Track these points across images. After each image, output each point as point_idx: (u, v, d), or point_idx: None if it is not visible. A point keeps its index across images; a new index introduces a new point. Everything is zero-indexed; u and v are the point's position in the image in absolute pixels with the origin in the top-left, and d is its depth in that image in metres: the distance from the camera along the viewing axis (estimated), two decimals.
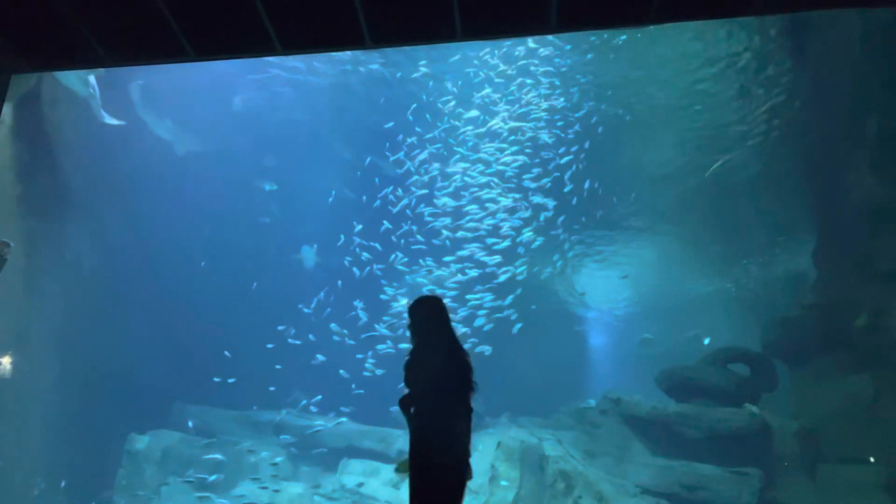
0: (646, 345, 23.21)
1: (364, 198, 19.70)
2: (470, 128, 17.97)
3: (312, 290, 19.76)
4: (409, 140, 18.75)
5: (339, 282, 19.40)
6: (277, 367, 17.84)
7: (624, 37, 14.70)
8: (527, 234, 18.97)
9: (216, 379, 16.86)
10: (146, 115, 16.87)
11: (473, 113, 17.66)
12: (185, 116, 17.60)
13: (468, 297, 18.66)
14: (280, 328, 18.59)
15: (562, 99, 17.16)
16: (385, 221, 19.02)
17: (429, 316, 4.04)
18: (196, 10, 4.45)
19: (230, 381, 16.60)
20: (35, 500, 13.60)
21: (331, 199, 19.72)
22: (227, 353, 17.11)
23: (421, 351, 3.95)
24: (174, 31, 4.53)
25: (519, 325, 19.19)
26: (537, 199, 18.71)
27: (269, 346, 17.92)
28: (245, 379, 17.17)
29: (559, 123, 17.67)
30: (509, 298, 19.16)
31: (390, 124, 18.60)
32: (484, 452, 14.83)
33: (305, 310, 19.33)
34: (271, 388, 17.51)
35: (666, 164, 18.33)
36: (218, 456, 15.61)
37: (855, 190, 13.67)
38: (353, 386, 17.28)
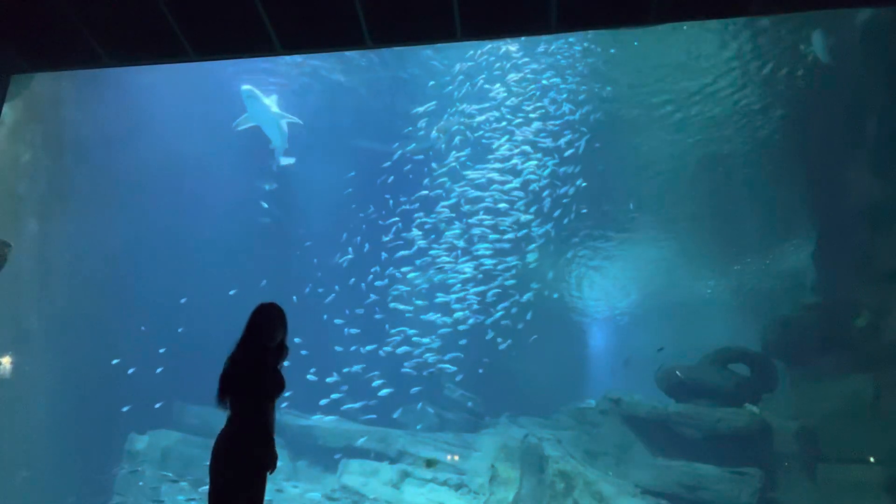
0: (660, 354, 23.05)
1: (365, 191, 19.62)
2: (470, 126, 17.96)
3: (313, 291, 19.71)
4: (415, 133, 18.67)
5: (338, 285, 19.37)
6: None
7: (623, 37, 14.68)
8: (527, 234, 18.95)
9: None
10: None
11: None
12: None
13: (469, 297, 18.64)
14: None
15: (561, 94, 17.12)
16: (386, 221, 19.00)
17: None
18: (196, 10, 4.45)
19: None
20: (35, 500, 13.58)
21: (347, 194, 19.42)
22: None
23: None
24: (174, 31, 4.53)
25: (520, 327, 19.16)
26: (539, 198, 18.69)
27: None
28: None
29: (560, 118, 17.63)
30: (508, 301, 19.15)
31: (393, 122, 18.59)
32: (484, 452, 14.83)
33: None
34: None
35: (666, 166, 18.31)
36: None
37: (854, 190, 13.66)
38: (346, 387, 17.22)
